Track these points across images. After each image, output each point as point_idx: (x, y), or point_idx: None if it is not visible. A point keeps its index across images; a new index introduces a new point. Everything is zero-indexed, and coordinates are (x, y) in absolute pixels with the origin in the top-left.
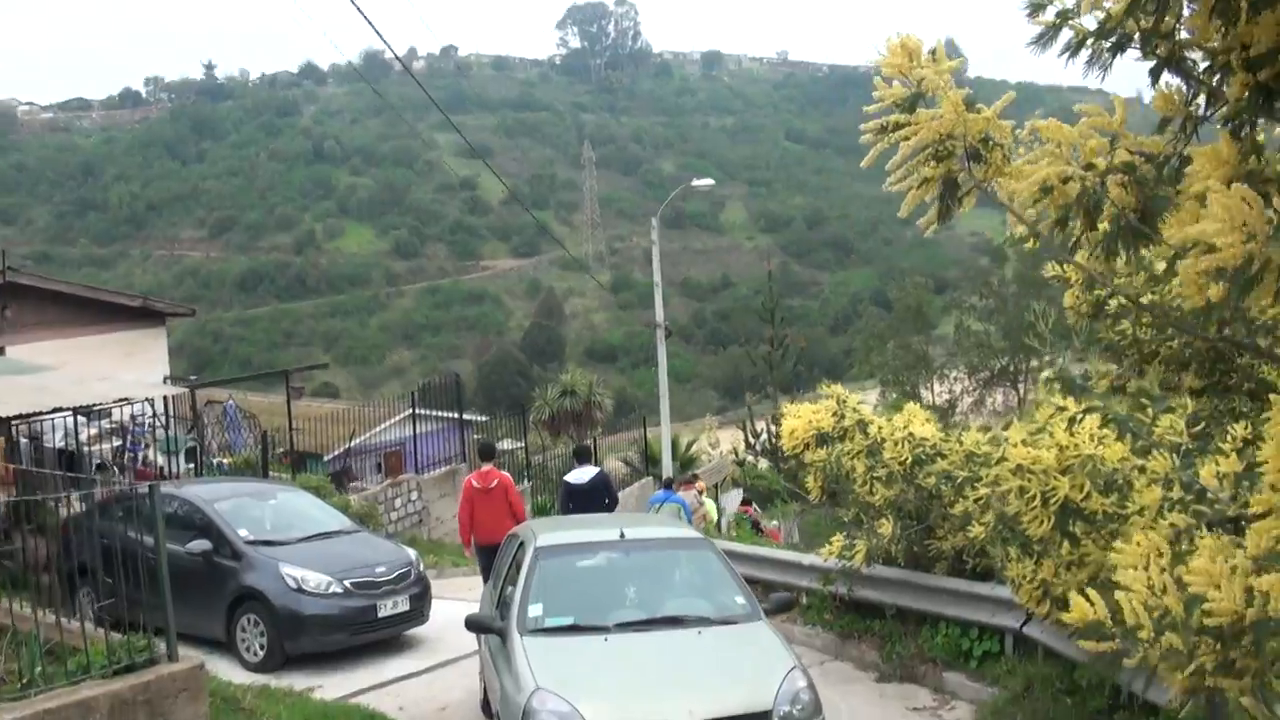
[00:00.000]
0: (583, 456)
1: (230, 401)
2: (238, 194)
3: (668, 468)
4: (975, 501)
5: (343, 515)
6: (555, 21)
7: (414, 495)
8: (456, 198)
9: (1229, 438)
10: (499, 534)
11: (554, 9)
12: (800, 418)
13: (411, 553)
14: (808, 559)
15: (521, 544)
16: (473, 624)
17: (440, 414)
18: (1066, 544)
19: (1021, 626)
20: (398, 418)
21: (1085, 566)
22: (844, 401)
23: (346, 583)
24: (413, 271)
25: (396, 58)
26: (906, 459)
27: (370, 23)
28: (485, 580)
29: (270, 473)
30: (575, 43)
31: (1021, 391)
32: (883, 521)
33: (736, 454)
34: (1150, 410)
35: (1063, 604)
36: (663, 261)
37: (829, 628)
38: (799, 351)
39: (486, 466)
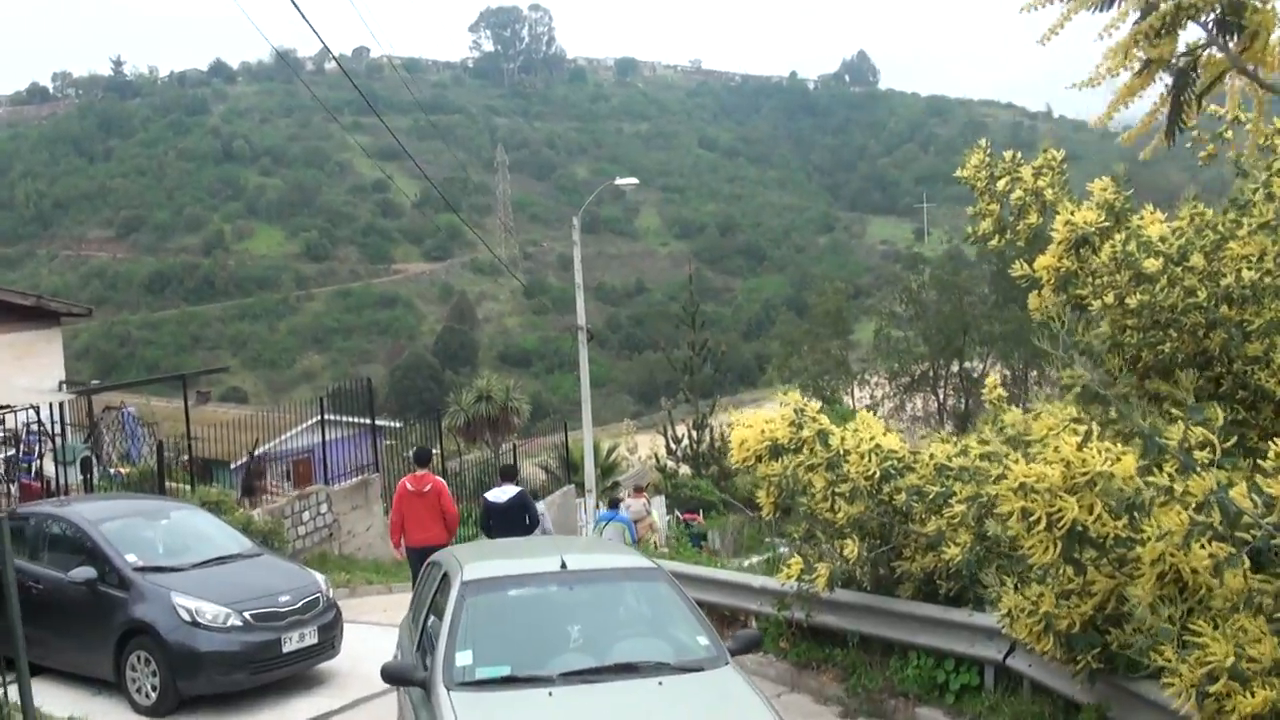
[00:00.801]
0: (507, 475)
1: (128, 408)
2: (146, 193)
3: (590, 475)
4: (949, 520)
5: (242, 536)
6: (468, 24)
7: (323, 508)
8: (368, 200)
9: (1272, 454)
10: (430, 538)
11: (467, 12)
12: (752, 427)
13: (319, 577)
14: (758, 581)
15: (445, 575)
16: (391, 676)
17: (351, 420)
18: (1069, 571)
19: (1005, 658)
20: (307, 424)
21: (1091, 597)
22: (802, 410)
23: (247, 614)
24: (323, 274)
25: (328, 49)
26: (874, 473)
27: (303, 15)
28: (414, 584)
29: (170, 483)
30: (488, 46)
31: (941, 397)
32: (847, 542)
33: (658, 460)
34: (1181, 423)
35: (1070, 638)
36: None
37: (784, 656)
38: (720, 356)
39: (422, 471)
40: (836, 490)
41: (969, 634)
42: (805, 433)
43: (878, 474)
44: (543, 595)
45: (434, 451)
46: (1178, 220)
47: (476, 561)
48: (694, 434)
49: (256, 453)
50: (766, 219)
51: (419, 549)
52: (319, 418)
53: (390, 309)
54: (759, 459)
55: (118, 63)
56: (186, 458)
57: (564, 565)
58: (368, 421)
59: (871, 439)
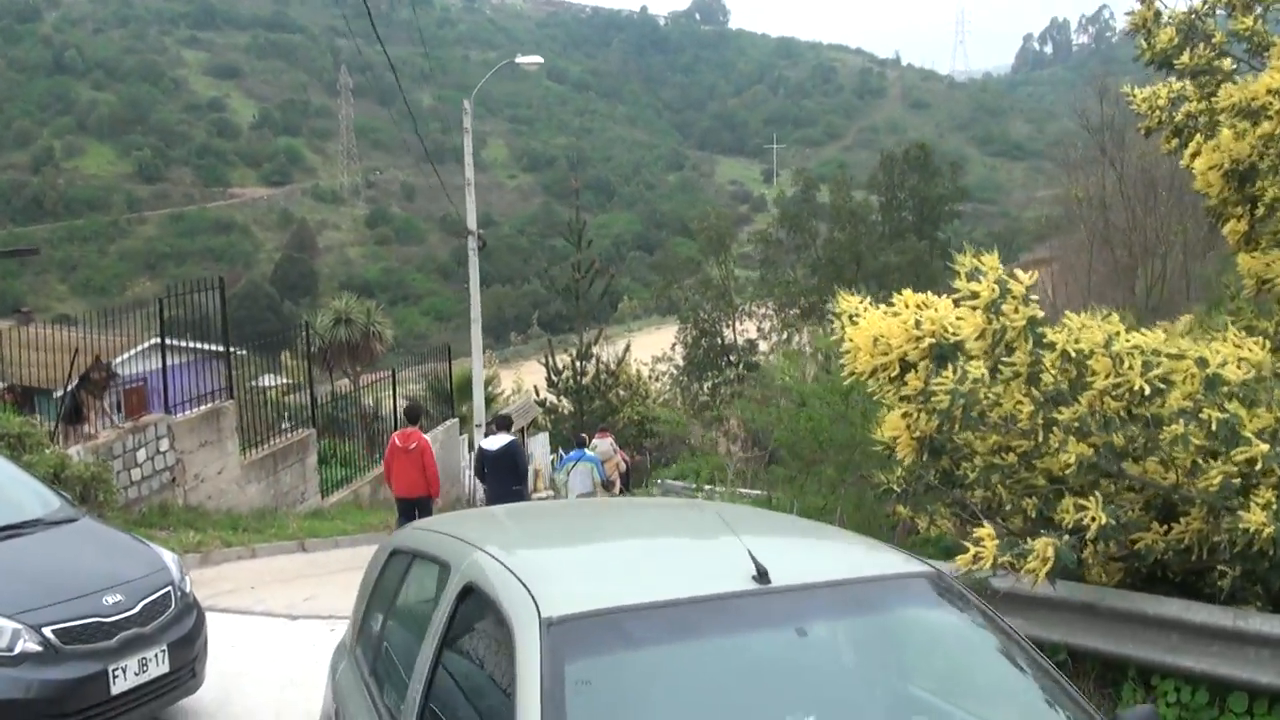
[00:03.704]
0: (501, 424)
1: None
2: None
3: (479, 407)
4: (1241, 466)
5: (47, 489)
6: None
7: (163, 444)
8: (204, 119)
9: None
10: (416, 491)
11: None
12: (878, 324)
13: (168, 557)
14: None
15: (486, 602)
16: None
17: (192, 346)
18: None
19: None
20: (141, 347)
21: None
22: (1005, 285)
23: (48, 630)
24: (156, 197)
25: None
26: (1137, 389)
27: None
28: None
29: None
30: None
31: (829, 329)
32: (1086, 503)
33: (536, 392)
34: None
35: None
36: (420, 198)
37: None
38: (610, 278)
39: (411, 429)
40: (1055, 416)
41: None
42: (1010, 322)
43: (1143, 390)
44: (734, 651)
45: (286, 382)
46: None
47: (548, 569)
48: (578, 365)
49: (79, 372)
50: (617, 154)
51: (405, 499)
52: (156, 339)
53: (226, 235)
54: (902, 369)
55: None
56: (4, 385)
57: (763, 576)
58: (210, 347)
59: (1120, 334)
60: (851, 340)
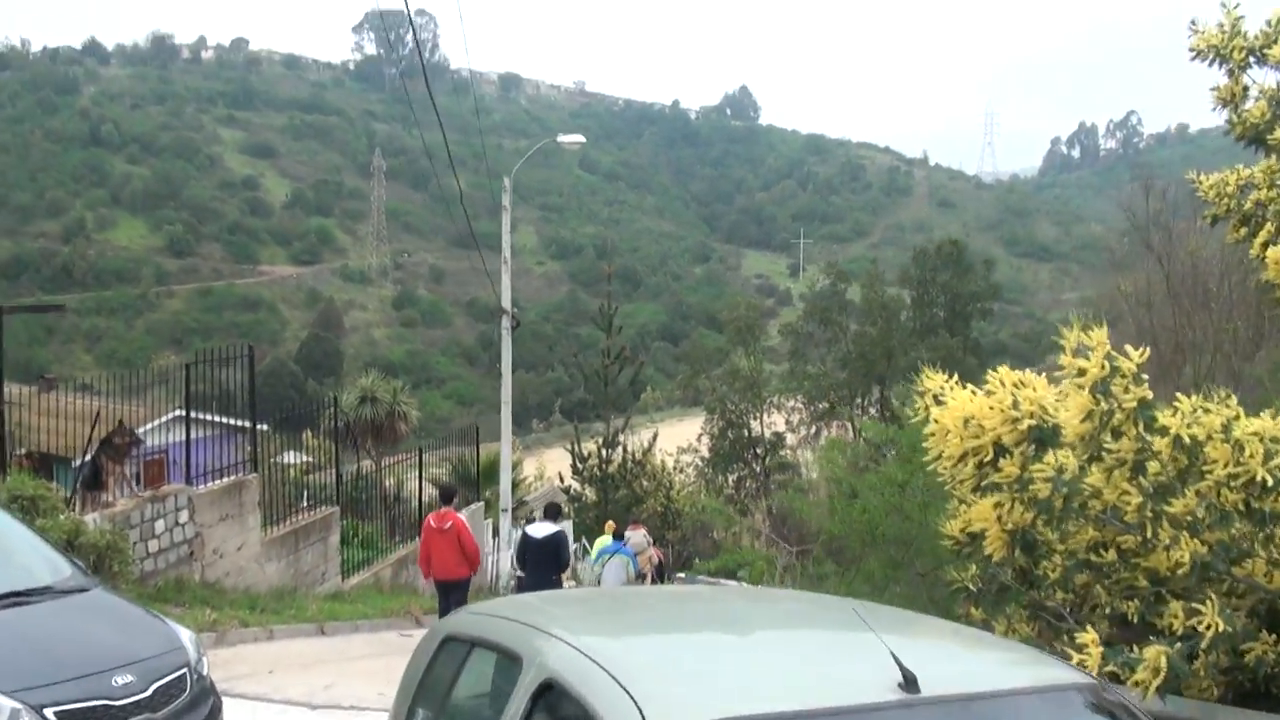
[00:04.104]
0: (550, 513)
1: None
2: (8, 172)
3: (505, 491)
4: None
5: (59, 556)
6: (352, 25)
7: (182, 516)
8: (237, 196)
9: None
10: (455, 572)
11: (351, 12)
12: (969, 404)
13: (184, 635)
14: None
15: (552, 690)
16: None
17: (217, 420)
18: None
19: None
20: (164, 418)
21: None
22: (1114, 363)
23: (51, 712)
24: (185, 271)
25: None
26: (1260, 478)
27: None
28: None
29: None
30: (371, 49)
31: (857, 425)
32: (1201, 607)
33: (561, 480)
34: None
35: None
36: (449, 282)
37: None
38: (638, 366)
39: (445, 509)
40: (1166, 509)
41: None
42: (1118, 406)
43: (1264, 481)
44: None
45: (307, 461)
46: None
47: (650, 667)
48: (604, 452)
49: (100, 439)
50: (644, 245)
51: (444, 582)
52: (179, 411)
53: (253, 312)
54: (995, 453)
55: None
56: (24, 450)
57: (911, 684)
58: (234, 422)
59: (1242, 420)
60: (938, 422)
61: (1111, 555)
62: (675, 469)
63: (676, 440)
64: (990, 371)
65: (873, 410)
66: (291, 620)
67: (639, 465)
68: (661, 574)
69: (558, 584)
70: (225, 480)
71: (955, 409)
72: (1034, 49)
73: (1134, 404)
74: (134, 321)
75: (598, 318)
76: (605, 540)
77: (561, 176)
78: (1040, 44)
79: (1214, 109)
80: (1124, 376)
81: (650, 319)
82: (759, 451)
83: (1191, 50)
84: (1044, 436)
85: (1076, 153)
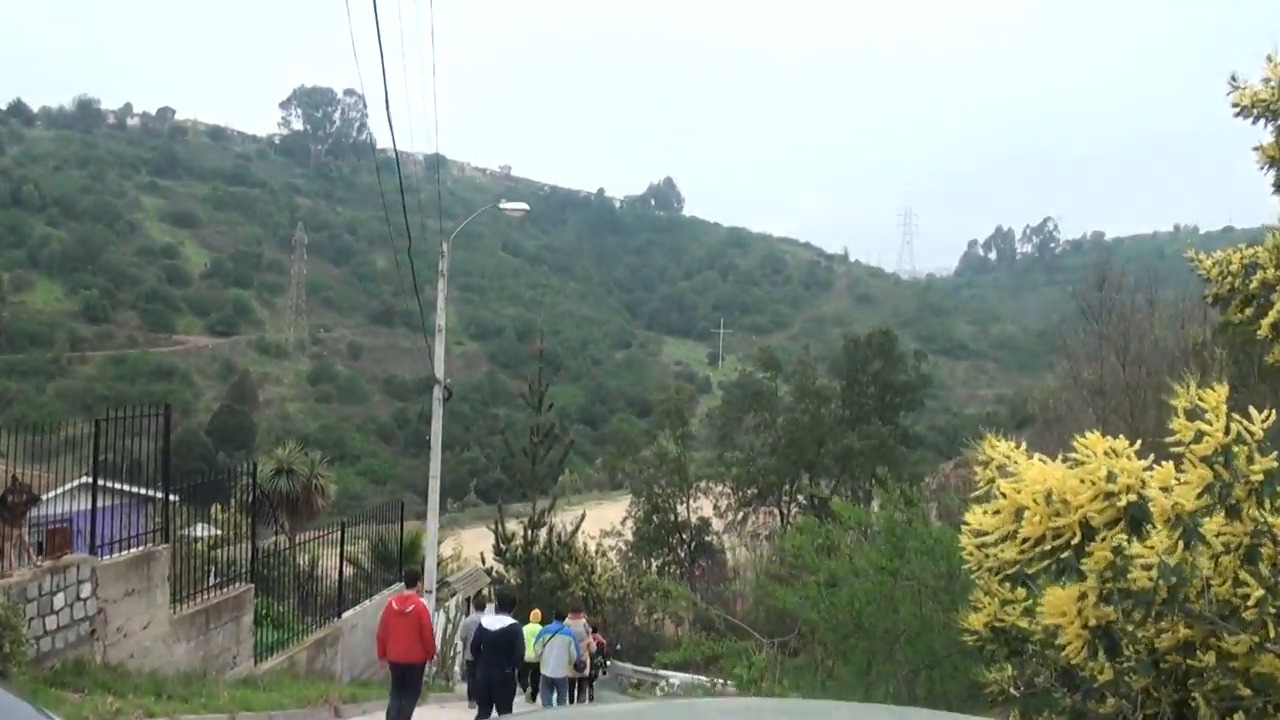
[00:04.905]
0: (505, 604)
1: None
2: None
3: (431, 572)
4: None
5: None
6: (280, 100)
7: (84, 590)
8: (155, 264)
9: None
10: (410, 655)
11: (280, 88)
12: (1051, 476)
13: None
14: None
15: None
16: None
17: (125, 488)
18: None
19: None
20: (68, 485)
21: None
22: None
23: None
24: (100, 337)
25: None
26: None
27: None
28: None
29: None
30: (298, 125)
31: (789, 512)
32: None
33: (484, 561)
34: None
35: None
36: (366, 358)
37: None
38: (568, 445)
39: (408, 592)
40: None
41: None
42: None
43: None
44: None
45: (214, 533)
46: None
47: None
48: (529, 533)
49: (18, 484)
50: (566, 329)
51: (399, 664)
52: (85, 478)
53: (167, 381)
54: (1081, 534)
55: None
56: None
57: None
58: (143, 491)
59: None
60: (1006, 496)
61: (1209, 658)
62: (598, 553)
63: (598, 524)
64: (918, 461)
65: (800, 498)
66: (201, 710)
67: (564, 547)
68: (604, 656)
69: (511, 678)
70: (133, 551)
71: (1034, 482)
72: (952, 154)
73: (1261, 477)
74: (45, 386)
75: (526, 396)
76: (534, 628)
77: (484, 259)
78: (958, 149)
79: (1262, 168)
80: (1248, 445)
81: (570, 401)
82: (684, 536)
83: (1235, 106)
84: (1142, 515)
85: (993, 255)
